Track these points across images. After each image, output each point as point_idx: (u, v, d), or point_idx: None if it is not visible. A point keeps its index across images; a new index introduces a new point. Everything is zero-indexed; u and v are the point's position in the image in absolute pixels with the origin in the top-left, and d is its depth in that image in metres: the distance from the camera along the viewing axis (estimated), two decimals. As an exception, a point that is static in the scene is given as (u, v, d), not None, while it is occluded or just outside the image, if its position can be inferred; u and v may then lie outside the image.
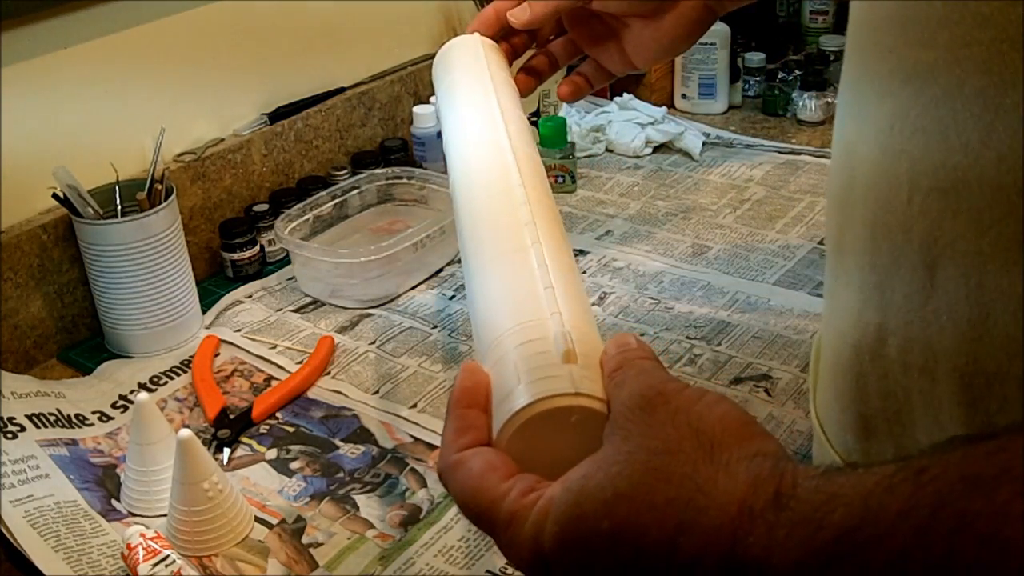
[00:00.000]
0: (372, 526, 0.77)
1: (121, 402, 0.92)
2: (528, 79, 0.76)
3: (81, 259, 0.98)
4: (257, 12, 1.15)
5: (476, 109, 0.65)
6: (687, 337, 0.95)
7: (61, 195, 0.94)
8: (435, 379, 0.93)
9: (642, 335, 0.96)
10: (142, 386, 0.94)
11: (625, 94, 1.40)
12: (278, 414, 0.90)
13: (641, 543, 0.35)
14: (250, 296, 1.08)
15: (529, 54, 0.78)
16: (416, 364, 0.95)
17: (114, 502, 0.80)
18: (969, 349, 0.40)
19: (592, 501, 0.37)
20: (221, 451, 0.85)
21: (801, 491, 0.33)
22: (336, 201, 1.15)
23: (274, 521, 0.78)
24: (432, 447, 0.84)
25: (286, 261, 1.13)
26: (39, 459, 0.81)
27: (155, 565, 0.69)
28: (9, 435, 0.83)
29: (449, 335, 0.99)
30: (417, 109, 1.24)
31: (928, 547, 0.29)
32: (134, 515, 0.79)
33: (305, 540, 0.76)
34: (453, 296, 1.06)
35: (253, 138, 1.15)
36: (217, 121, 1.14)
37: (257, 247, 1.11)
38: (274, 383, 0.93)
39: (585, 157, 1.33)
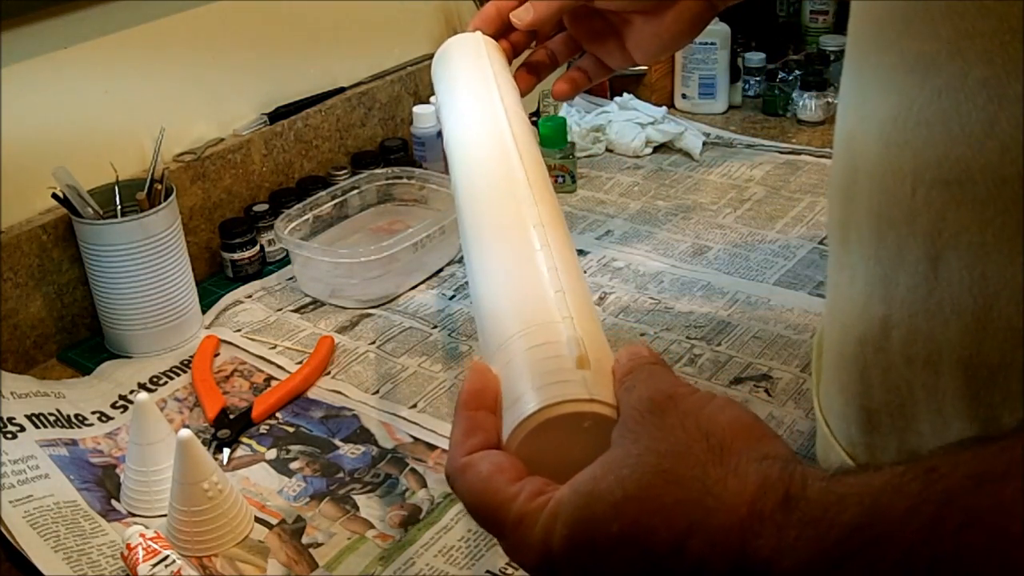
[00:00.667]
0: (372, 526, 0.76)
1: (121, 402, 0.92)
2: (528, 76, 0.76)
3: (81, 259, 0.97)
4: (257, 12, 1.15)
5: (479, 106, 0.65)
6: (687, 337, 0.95)
7: (61, 195, 0.94)
8: (435, 379, 0.93)
9: (642, 335, 0.96)
10: (142, 386, 0.94)
11: (625, 94, 1.40)
12: (278, 414, 0.90)
13: (651, 545, 0.35)
14: (250, 296, 1.08)
15: (528, 52, 0.78)
16: (416, 364, 0.95)
17: (114, 502, 0.80)
18: (972, 341, 0.40)
19: (602, 503, 0.37)
20: (221, 451, 0.84)
21: (811, 492, 0.33)
22: (336, 201, 1.15)
23: (274, 521, 0.77)
24: (432, 447, 0.84)
25: (286, 261, 1.13)
26: (39, 459, 0.81)
27: (155, 565, 0.69)
28: (9, 435, 0.83)
29: (449, 335, 0.99)
30: (417, 109, 1.24)
31: (936, 543, 0.30)
32: (134, 515, 0.79)
33: (305, 540, 0.76)
34: (453, 296, 1.05)
35: (253, 138, 1.15)
36: (217, 121, 1.14)
37: (257, 247, 1.11)
38: (274, 383, 0.93)
39: (585, 157, 1.33)
